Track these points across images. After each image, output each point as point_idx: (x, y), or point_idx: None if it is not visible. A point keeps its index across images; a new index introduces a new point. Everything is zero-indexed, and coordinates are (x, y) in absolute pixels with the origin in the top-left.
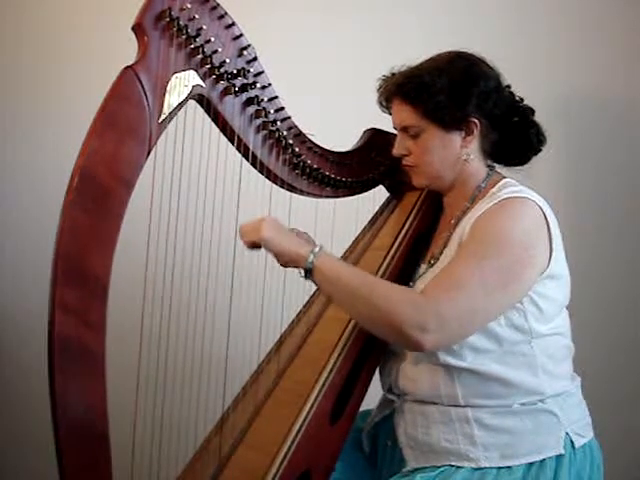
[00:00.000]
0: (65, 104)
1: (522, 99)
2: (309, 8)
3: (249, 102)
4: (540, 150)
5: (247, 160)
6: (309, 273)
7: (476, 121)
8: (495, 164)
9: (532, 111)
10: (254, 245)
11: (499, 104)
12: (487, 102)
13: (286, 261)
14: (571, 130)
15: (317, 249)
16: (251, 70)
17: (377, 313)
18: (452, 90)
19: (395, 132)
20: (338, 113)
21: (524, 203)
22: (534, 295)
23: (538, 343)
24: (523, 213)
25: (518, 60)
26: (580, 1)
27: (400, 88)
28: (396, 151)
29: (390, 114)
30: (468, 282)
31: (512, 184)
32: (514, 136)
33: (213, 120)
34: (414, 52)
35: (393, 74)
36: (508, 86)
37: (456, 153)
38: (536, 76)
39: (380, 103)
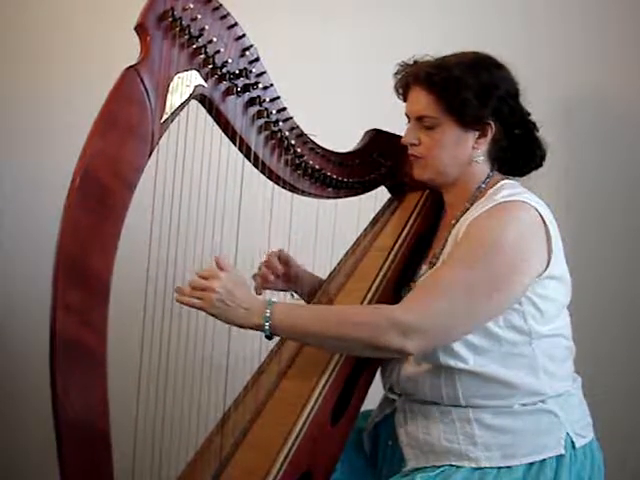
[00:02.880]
0: (67, 104)
1: (529, 113)
2: (311, 9)
3: (251, 102)
4: (541, 165)
5: (249, 160)
6: (270, 337)
7: (492, 124)
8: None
9: (536, 127)
10: None
11: (514, 112)
12: (505, 107)
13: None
14: (571, 130)
15: (267, 312)
16: (253, 70)
17: (354, 342)
18: (479, 89)
19: (397, 133)
20: (340, 114)
21: (520, 207)
22: (533, 296)
23: (539, 344)
24: (517, 218)
25: (518, 60)
26: (580, 1)
27: (428, 77)
28: (406, 139)
29: (404, 101)
30: (452, 287)
31: (510, 186)
32: (519, 147)
33: (215, 120)
34: (415, 52)
35: (415, 62)
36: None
37: (467, 153)
38: (536, 76)
39: (397, 89)
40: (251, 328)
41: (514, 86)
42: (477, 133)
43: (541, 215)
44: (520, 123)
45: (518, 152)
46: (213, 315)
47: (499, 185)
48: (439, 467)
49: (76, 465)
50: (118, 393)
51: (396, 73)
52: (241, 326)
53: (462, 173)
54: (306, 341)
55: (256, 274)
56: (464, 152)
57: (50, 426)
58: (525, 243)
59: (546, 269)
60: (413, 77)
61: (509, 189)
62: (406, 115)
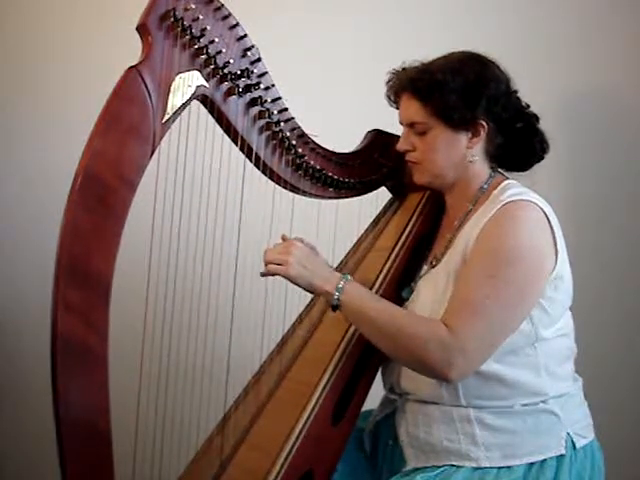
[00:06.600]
0: (69, 104)
1: (528, 105)
2: (312, 9)
3: (253, 103)
4: (543, 158)
5: (250, 161)
6: (336, 308)
7: (484, 123)
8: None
9: (537, 118)
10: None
11: (507, 108)
12: (496, 105)
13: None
14: (571, 130)
15: (342, 283)
16: (255, 71)
17: (404, 350)
18: (464, 91)
19: (398, 134)
20: (341, 114)
21: (526, 207)
22: (542, 300)
23: (541, 344)
24: (525, 219)
25: (518, 60)
26: (580, 0)
27: (412, 84)
28: (401, 146)
29: (397, 108)
30: (485, 305)
31: (514, 186)
32: (518, 142)
33: (217, 120)
34: (415, 52)
35: (404, 68)
36: (515, 91)
37: (461, 153)
38: (536, 76)
39: (388, 97)
40: (322, 294)
41: (505, 83)
42: (469, 133)
43: (546, 215)
44: (515, 118)
45: (517, 147)
46: (291, 278)
47: (503, 185)
48: (440, 467)
49: (77, 465)
50: (119, 393)
51: (387, 81)
52: (313, 291)
53: (461, 174)
54: (362, 328)
55: None
56: (458, 153)
57: (51, 426)
58: (537, 242)
59: (555, 268)
60: (400, 85)
61: (513, 189)
62: (400, 122)
